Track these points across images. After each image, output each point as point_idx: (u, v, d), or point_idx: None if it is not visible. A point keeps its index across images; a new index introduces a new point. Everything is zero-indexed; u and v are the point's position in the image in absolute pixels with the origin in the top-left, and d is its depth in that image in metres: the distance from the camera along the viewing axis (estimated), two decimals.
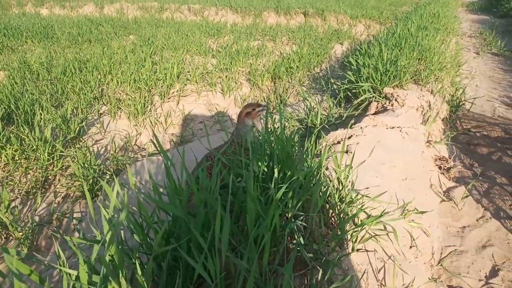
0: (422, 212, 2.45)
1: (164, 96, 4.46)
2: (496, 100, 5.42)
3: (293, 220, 1.46)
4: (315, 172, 1.68)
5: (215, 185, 1.27)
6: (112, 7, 14.07)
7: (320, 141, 2.65)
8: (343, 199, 1.79)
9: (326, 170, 2.18)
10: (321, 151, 2.51)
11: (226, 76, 5.24)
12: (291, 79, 5.30)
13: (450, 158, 3.41)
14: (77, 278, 0.96)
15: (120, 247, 1.01)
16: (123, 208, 1.12)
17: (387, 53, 3.76)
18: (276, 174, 1.48)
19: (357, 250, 1.62)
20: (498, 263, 2.43)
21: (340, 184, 1.90)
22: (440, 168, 3.30)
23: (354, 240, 1.66)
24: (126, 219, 1.11)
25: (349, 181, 1.98)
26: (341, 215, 1.62)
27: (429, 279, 2.26)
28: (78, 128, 3.41)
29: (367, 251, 1.76)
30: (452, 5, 15.91)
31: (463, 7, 20.26)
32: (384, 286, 1.74)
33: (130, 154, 3.46)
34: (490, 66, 7.52)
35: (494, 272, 2.36)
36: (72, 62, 5.26)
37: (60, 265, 1.05)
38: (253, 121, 2.07)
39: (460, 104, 4.69)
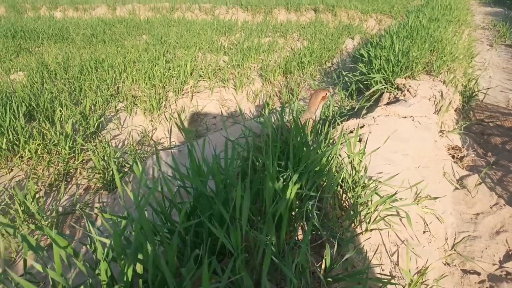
0: (435, 198, 2.48)
1: (178, 93, 4.55)
2: (510, 91, 5.38)
3: (308, 202, 1.52)
4: (329, 157, 1.73)
5: (234, 166, 1.34)
6: (124, 8, 14.27)
7: (332, 130, 2.69)
8: (357, 183, 1.84)
9: (340, 157, 2.23)
10: (334, 140, 2.56)
11: (238, 72, 5.31)
12: (303, 73, 5.35)
13: (463, 147, 3.42)
14: (110, 247, 1.03)
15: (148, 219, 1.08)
16: (147, 192, 1.20)
17: (399, 45, 3.78)
18: (291, 157, 1.54)
19: (370, 230, 1.67)
20: None
21: (354, 169, 1.95)
22: (453, 157, 3.32)
23: (367, 221, 1.71)
24: (152, 197, 1.18)
25: (362, 167, 2.03)
26: (354, 198, 1.67)
27: (443, 263, 2.30)
28: (97, 123, 3.52)
29: (379, 229, 1.81)
30: None
31: (476, 0, 19.96)
32: (397, 266, 1.79)
33: (147, 148, 3.56)
34: (504, 58, 7.44)
35: (508, 257, 2.37)
36: (88, 61, 5.39)
37: (92, 237, 1.12)
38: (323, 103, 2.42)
39: (473, 94, 4.68)
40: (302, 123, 2.29)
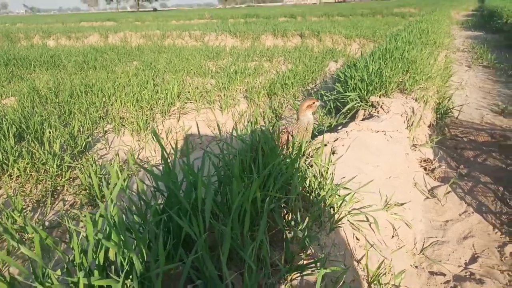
0: (402, 204, 2.63)
1: (165, 114, 4.72)
2: (485, 108, 5.64)
3: (274, 202, 1.67)
4: (296, 165, 1.89)
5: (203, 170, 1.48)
6: (116, 36, 14.65)
7: (307, 144, 2.86)
8: (323, 188, 1.99)
9: (311, 167, 2.38)
10: (308, 152, 2.72)
11: (224, 94, 5.52)
12: (286, 94, 5.56)
13: (435, 160, 3.60)
14: (86, 237, 1.16)
15: (120, 213, 1.21)
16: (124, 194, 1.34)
17: (372, 66, 4.01)
18: (260, 161, 1.69)
19: (333, 229, 1.80)
20: (478, 252, 2.59)
21: (321, 176, 2.10)
22: (425, 169, 3.49)
23: (332, 221, 1.85)
24: (127, 197, 1.32)
25: (330, 174, 2.19)
26: (318, 200, 1.81)
27: (411, 265, 2.43)
28: (84, 143, 3.66)
29: (345, 231, 1.95)
30: (446, 22, 16.33)
31: (457, 25, 20.77)
32: (360, 263, 1.91)
33: (134, 166, 3.69)
34: (481, 78, 7.77)
35: (473, 259, 2.51)
36: (78, 86, 5.57)
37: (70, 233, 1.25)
38: (311, 112, 2.63)
39: (447, 111, 4.91)
40: (288, 135, 2.48)
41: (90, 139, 3.82)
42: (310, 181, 1.92)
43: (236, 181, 1.43)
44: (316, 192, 1.85)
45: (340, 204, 1.90)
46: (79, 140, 3.64)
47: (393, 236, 2.48)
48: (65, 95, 5.14)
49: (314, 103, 2.63)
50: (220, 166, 1.80)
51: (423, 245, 2.64)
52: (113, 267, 1.16)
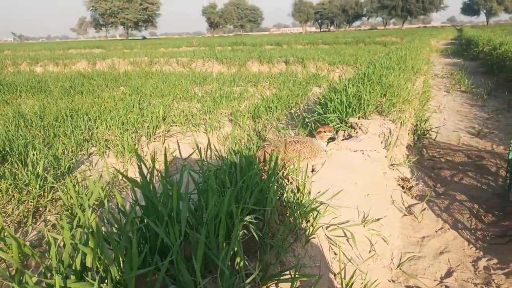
0: (379, 219, 2.71)
1: (151, 136, 4.78)
2: (462, 131, 5.85)
3: (250, 214, 1.73)
4: (272, 178, 1.97)
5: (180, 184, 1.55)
6: (104, 62, 14.81)
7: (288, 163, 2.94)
8: (300, 202, 2.06)
9: (290, 183, 2.46)
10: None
11: (209, 118, 5.62)
12: (270, 117, 5.69)
13: (411, 179, 3.72)
14: (63, 245, 1.20)
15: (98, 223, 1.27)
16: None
17: (351, 89, 4.18)
18: (237, 175, 1.77)
19: (308, 240, 1.87)
20: (453, 266, 2.66)
21: (298, 191, 2.18)
22: (403, 187, 3.60)
23: (308, 233, 1.91)
24: (107, 211, 1.38)
25: (307, 191, 2.27)
26: (294, 211, 1.88)
27: (388, 280, 2.48)
28: (68, 164, 3.68)
29: (320, 243, 2.01)
30: (426, 50, 16.96)
31: (437, 52, 21.60)
32: (337, 275, 1.97)
33: (117, 187, 3.71)
34: (459, 102, 8.07)
35: (449, 274, 2.59)
36: (64, 110, 5.61)
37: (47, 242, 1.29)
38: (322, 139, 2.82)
39: (425, 133, 5.09)
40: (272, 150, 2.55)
41: (74, 160, 3.85)
42: (287, 195, 1.99)
43: (210, 191, 1.50)
44: (293, 206, 1.92)
45: (316, 216, 1.97)
46: (62, 161, 3.66)
47: (370, 251, 2.55)
48: (50, 118, 5.17)
49: (324, 131, 2.78)
50: (200, 182, 1.86)
51: (400, 260, 2.70)
52: (90, 273, 1.20)
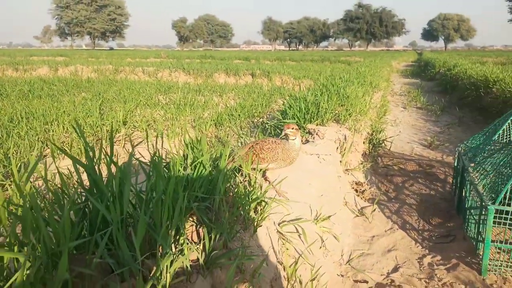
0: (329, 216, 2.80)
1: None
2: (415, 142, 6.15)
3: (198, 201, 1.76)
4: (222, 169, 2.01)
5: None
6: (66, 69, 14.43)
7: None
8: (249, 194, 2.10)
9: (245, 178, 2.51)
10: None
11: (172, 124, 5.60)
12: (233, 125, 5.75)
13: (365, 183, 3.86)
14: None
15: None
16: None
17: (310, 97, 4.32)
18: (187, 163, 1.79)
19: (256, 230, 1.91)
20: (400, 263, 2.78)
21: (249, 184, 2.23)
22: (356, 191, 3.73)
23: (255, 223, 1.95)
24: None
25: (258, 184, 2.32)
26: (242, 201, 1.92)
27: (337, 274, 2.55)
28: (19, 163, 3.55)
29: (269, 234, 2.05)
30: (386, 70, 17.74)
31: (398, 73, 22.66)
32: (282, 264, 2.01)
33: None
34: (414, 117, 8.47)
35: (395, 269, 2.70)
36: (20, 111, 5.42)
37: None
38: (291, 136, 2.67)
39: (380, 143, 5.31)
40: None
41: (26, 159, 3.71)
42: (237, 189, 2.03)
43: (158, 175, 1.52)
44: (241, 197, 1.96)
45: (264, 207, 2.02)
46: (13, 159, 3.53)
47: (320, 247, 2.62)
48: (4, 119, 4.98)
49: (293, 128, 2.64)
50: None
51: (350, 256, 2.79)
52: (25, 248, 1.18)
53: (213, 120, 5.86)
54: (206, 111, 6.71)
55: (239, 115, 6.06)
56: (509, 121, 3.26)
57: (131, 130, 5.26)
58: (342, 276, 2.56)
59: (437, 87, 13.75)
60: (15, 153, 3.95)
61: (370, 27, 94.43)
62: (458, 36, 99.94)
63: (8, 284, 1.04)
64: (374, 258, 2.82)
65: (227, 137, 5.22)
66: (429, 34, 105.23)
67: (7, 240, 1.14)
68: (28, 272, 1.08)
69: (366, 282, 2.51)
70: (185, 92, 8.62)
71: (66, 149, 4.24)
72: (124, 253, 1.24)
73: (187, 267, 1.41)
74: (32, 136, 4.42)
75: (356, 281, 2.53)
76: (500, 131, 3.25)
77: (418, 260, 2.82)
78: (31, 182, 2.24)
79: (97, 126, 4.95)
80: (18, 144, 4.15)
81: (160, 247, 1.34)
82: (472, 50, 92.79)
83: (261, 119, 6.49)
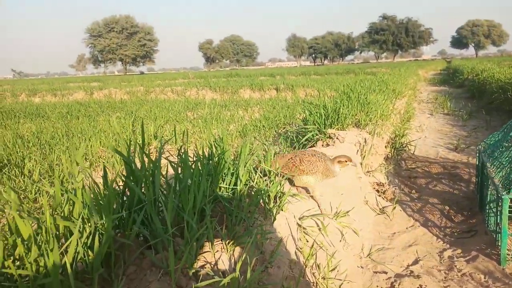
0: (348, 212, 2.92)
1: None
2: (441, 146, 6.14)
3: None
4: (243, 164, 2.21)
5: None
6: (101, 93, 15.25)
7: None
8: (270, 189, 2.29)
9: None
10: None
11: (199, 137, 5.89)
12: (257, 136, 5.97)
13: (386, 184, 3.95)
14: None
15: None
16: None
17: (330, 104, 4.49)
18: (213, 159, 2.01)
19: (275, 218, 2.08)
20: (420, 256, 2.86)
21: (268, 178, 2.43)
22: (378, 191, 3.82)
23: (274, 212, 2.13)
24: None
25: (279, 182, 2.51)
26: (262, 191, 2.11)
27: (357, 266, 2.67)
28: (62, 174, 3.90)
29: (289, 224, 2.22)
30: (413, 79, 17.59)
31: (425, 81, 22.36)
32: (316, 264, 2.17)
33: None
34: (441, 123, 8.41)
35: (415, 262, 2.78)
36: (60, 130, 5.88)
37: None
38: (339, 166, 2.84)
39: (403, 146, 5.37)
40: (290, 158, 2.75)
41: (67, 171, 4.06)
42: (257, 181, 2.22)
43: (185, 166, 1.74)
44: (262, 188, 2.15)
45: (281, 197, 2.19)
46: (56, 172, 3.88)
47: (340, 240, 2.74)
48: (47, 137, 5.42)
49: (346, 161, 2.82)
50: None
51: (370, 250, 2.89)
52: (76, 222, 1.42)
53: (239, 132, 6.10)
54: (232, 124, 6.98)
55: (263, 126, 6.28)
56: None
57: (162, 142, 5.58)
58: (362, 267, 2.67)
59: (465, 93, 13.51)
60: (57, 166, 4.31)
61: (396, 38, 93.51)
62: (489, 42, 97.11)
63: (63, 248, 1.27)
64: (394, 252, 2.91)
65: (252, 144, 5.43)
66: (459, 41, 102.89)
67: (61, 214, 1.38)
68: (79, 240, 1.31)
69: (386, 273, 2.61)
70: (211, 107, 8.96)
71: (104, 163, 4.58)
72: (156, 226, 1.45)
73: (212, 243, 1.60)
74: (72, 150, 4.80)
75: (375, 272, 2.63)
76: None
77: (439, 253, 2.88)
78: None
79: (130, 140, 5.29)
80: (60, 158, 4.52)
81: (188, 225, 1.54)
82: (505, 55, 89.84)
83: (285, 129, 6.68)
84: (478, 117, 8.59)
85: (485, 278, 2.46)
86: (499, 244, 2.54)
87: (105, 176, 1.53)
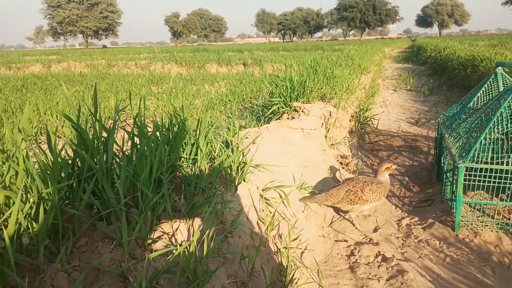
0: (312, 186, 2.94)
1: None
2: (402, 121, 6.30)
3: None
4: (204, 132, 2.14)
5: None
6: (59, 66, 14.48)
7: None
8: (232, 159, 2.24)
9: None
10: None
11: (163, 111, 5.72)
12: (223, 110, 5.88)
13: (349, 156, 4.01)
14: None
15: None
16: None
17: (296, 77, 4.45)
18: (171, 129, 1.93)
19: (236, 189, 2.05)
20: (380, 225, 2.93)
21: (230, 148, 2.38)
22: (341, 163, 3.87)
23: (236, 182, 2.09)
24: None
25: (240, 151, 2.47)
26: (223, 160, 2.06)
27: (319, 236, 2.70)
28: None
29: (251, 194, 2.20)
30: (379, 56, 17.83)
31: (391, 59, 22.76)
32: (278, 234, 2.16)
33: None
34: (403, 98, 8.62)
35: (375, 230, 2.85)
36: (14, 103, 5.53)
37: None
38: (388, 173, 2.88)
39: (367, 120, 5.46)
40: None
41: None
42: (219, 149, 2.17)
43: (142, 134, 1.65)
44: (223, 157, 2.10)
45: (243, 168, 2.15)
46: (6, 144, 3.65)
47: (303, 211, 2.77)
48: None
49: (391, 166, 2.87)
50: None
51: (332, 220, 2.94)
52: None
53: (204, 106, 5.98)
54: (198, 99, 6.83)
55: (229, 100, 6.18)
56: (482, 89, 3.40)
57: (124, 117, 5.38)
58: (323, 237, 2.71)
59: (428, 70, 13.89)
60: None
61: (364, 16, 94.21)
62: (452, 22, 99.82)
63: (3, 219, 1.18)
64: (355, 221, 2.97)
65: (217, 119, 5.34)
66: (423, 20, 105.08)
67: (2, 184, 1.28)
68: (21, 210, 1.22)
69: (346, 241, 2.67)
70: (177, 82, 8.72)
71: (60, 136, 4.37)
72: (109, 196, 1.37)
73: (169, 213, 1.55)
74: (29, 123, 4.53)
75: (336, 241, 2.68)
76: (475, 99, 3.39)
77: (397, 222, 2.97)
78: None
79: (90, 115, 5.06)
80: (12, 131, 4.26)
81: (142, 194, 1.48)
82: (466, 35, 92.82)
83: (251, 103, 6.62)
84: (439, 93, 8.87)
85: (440, 243, 2.56)
86: (454, 211, 2.64)
87: (49, 141, 1.42)
